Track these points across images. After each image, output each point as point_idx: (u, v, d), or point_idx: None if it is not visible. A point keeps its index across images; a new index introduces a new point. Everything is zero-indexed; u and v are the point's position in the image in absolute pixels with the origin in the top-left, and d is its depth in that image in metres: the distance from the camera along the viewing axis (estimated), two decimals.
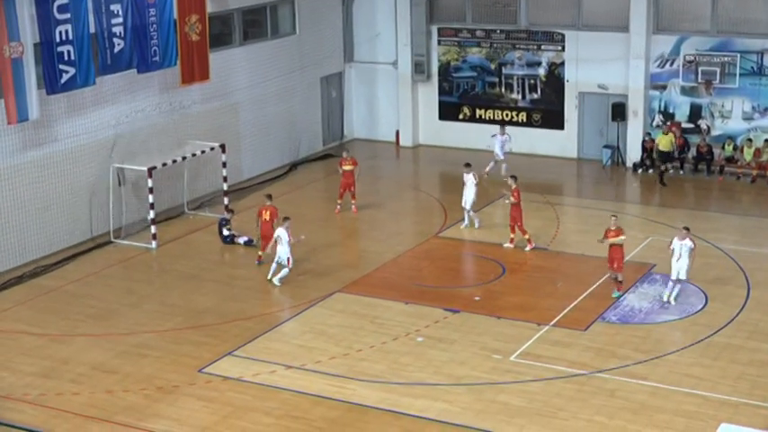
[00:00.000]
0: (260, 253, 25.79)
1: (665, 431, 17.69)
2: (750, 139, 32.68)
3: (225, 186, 29.75)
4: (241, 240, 27.36)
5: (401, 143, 37.49)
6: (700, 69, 33.13)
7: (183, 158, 28.69)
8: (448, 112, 37.01)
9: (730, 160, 32.91)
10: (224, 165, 29.65)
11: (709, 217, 27.13)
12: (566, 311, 22.68)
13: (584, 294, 23.54)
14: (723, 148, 33.01)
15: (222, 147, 29.56)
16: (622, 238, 23.41)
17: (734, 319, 22.21)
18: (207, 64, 30.04)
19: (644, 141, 33.77)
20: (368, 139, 38.10)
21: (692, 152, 33.36)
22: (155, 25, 28.24)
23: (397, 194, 32.31)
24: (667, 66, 33.65)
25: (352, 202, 30.13)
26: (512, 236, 26.33)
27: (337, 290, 24.14)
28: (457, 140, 35.96)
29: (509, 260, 25.76)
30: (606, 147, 34.60)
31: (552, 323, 22.09)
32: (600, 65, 34.32)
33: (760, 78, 32.50)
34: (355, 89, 38.17)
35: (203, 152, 29.35)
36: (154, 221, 27.38)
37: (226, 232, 27.55)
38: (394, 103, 37.54)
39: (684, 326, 21.93)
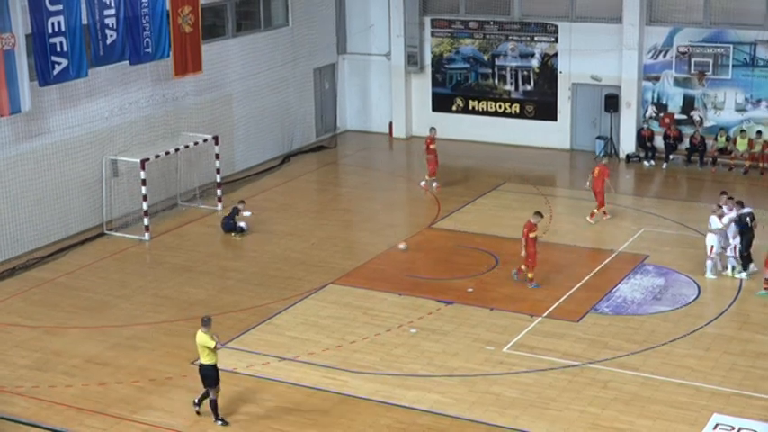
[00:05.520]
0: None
1: (658, 422, 17.73)
2: (743, 130, 32.71)
3: (218, 178, 29.73)
4: (242, 224, 27.32)
5: (394, 134, 37.45)
6: (693, 61, 33.13)
7: (176, 150, 28.65)
8: (441, 103, 36.97)
9: (723, 151, 32.94)
10: (217, 156, 29.62)
11: (702, 208, 27.15)
12: (558, 302, 22.70)
13: (577, 285, 23.56)
14: (716, 139, 33.04)
15: (215, 138, 29.54)
16: None
17: (726, 309, 22.25)
18: (200, 56, 29.96)
19: (641, 130, 33.79)
20: (361, 131, 38.09)
21: (686, 143, 33.42)
22: (147, 17, 28.15)
23: (390, 186, 32.31)
24: (660, 57, 33.65)
25: (432, 179, 31.10)
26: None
27: (330, 281, 24.13)
28: (450, 132, 35.83)
29: (502, 251, 25.76)
30: (599, 138, 34.61)
31: (545, 314, 22.11)
32: (593, 56, 34.29)
33: (752, 70, 32.51)
34: (348, 81, 38.12)
35: (196, 144, 29.28)
36: (147, 213, 27.35)
37: (247, 213, 27.57)
38: (387, 95, 37.51)
39: (677, 317, 21.96)
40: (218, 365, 17.87)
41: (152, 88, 29.40)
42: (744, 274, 23.50)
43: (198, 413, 18.14)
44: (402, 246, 24.85)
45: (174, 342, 21.12)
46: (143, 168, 27.01)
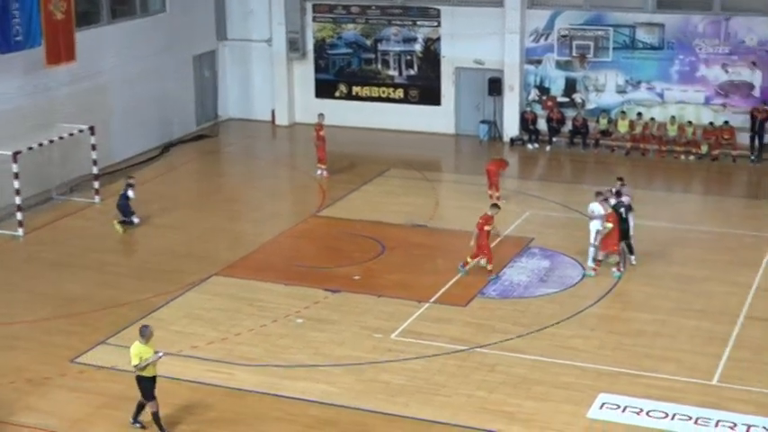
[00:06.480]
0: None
1: (545, 403, 18.02)
2: (624, 112, 33.45)
3: (95, 170, 29.17)
4: (135, 220, 26.86)
5: (277, 122, 37.30)
6: (574, 44, 33.76)
7: (51, 142, 28.01)
8: (324, 89, 36.92)
9: (605, 133, 33.64)
10: (93, 147, 29.07)
11: (585, 190, 27.66)
12: (446, 288, 22.90)
13: (465, 270, 23.76)
14: (598, 121, 33.73)
15: (91, 129, 28.98)
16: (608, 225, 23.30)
17: (610, 290, 22.73)
18: (73, 44, 29.27)
19: (524, 113, 34.26)
20: (243, 119, 37.83)
21: (568, 126, 34.01)
22: (17, 4, 27.39)
23: (273, 174, 32.25)
24: (542, 40, 34.18)
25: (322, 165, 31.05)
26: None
27: (214, 273, 23.91)
28: (334, 118, 35.76)
29: (388, 238, 25.87)
30: (483, 122, 35.02)
31: (433, 300, 22.29)
32: (475, 40, 34.64)
33: (632, 52, 33.26)
34: (229, 68, 37.79)
35: (71, 135, 28.68)
36: (20, 208, 26.68)
37: (132, 194, 26.84)
38: (269, 82, 37.30)
39: (562, 298, 22.36)
40: (155, 378, 17.25)
41: (23, 78, 28.65)
42: (616, 273, 23.48)
43: (143, 427, 17.47)
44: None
45: (52, 341, 20.68)
46: (15, 161, 26.33)
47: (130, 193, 26.94)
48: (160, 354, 17.18)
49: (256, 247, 25.57)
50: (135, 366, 16.94)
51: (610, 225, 23.18)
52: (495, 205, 24.09)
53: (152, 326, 17.65)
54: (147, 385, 17.15)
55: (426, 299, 22.32)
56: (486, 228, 23.32)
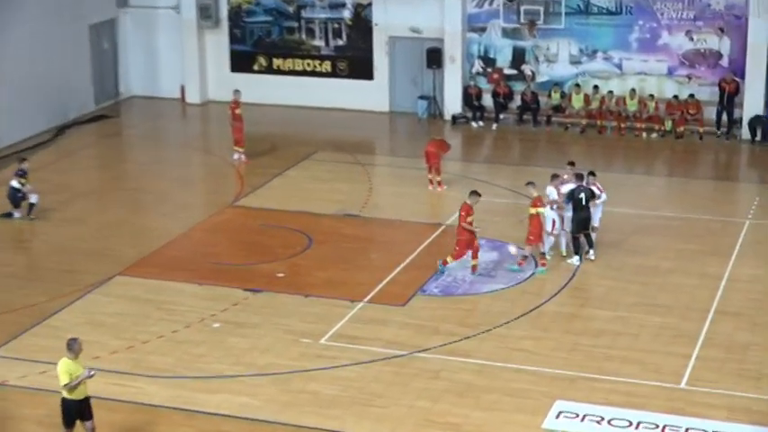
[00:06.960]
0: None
1: (495, 413, 18.10)
2: (578, 85, 33.73)
3: None
4: (33, 199, 26.55)
5: (187, 100, 37.24)
6: (522, 9, 33.96)
7: None
8: (241, 62, 36.86)
9: (558, 109, 33.91)
10: None
11: (536, 172, 27.82)
12: (381, 285, 22.93)
13: (402, 265, 23.85)
14: (549, 95, 33.98)
15: None
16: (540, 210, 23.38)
17: (566, 285, 22.92)
18: None
19: (468, 88, 34.39)
20: (148, 96, 37.64)
21: (517, 101, 34.21)
22: None
23: (184, 159, 32.17)
24: (486, 5, 34.34)
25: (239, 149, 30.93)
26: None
27: (117, 273, 23.74)
28: (252, 95, 35.68)
29: (316, 230, 25.87)
30: (422, 98, 35.13)
31: (367, 299, 22.32)
32: (412, 6, 34.74)
33: (587, 18, 33.54)
34: (131, 38, 37.61)
35: None
36: None
37: (16, 184, 26.50)
38: (177, 54, 37.13)
39: (513, 295, 22.49)
40: (88, 399, 16.69)
41: None
42: (575, 260, 23.77)
43: None
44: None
45: None
46: None
47: (14, 182, 26.59)
48: (92, 371, 16.61)
49: (165, 243, 25.43)
50: (65, 386, 16.50)
51: (541, 210, 23.23)
52: (474, 192, 23.67)
53: (46, 334, 17.44)
54: (71, 409, 16.60)
55: (360, 298, 22.34)
56: (469, 219, 23.19)
